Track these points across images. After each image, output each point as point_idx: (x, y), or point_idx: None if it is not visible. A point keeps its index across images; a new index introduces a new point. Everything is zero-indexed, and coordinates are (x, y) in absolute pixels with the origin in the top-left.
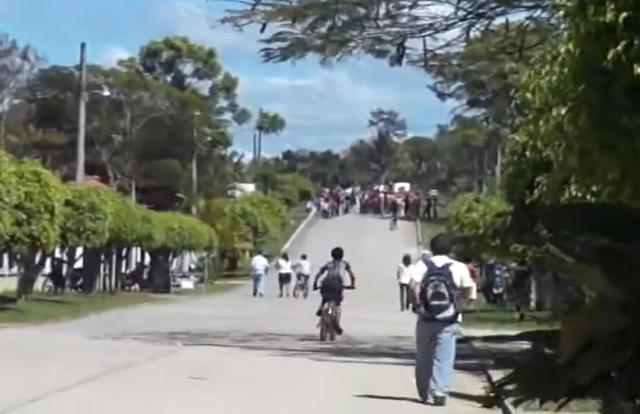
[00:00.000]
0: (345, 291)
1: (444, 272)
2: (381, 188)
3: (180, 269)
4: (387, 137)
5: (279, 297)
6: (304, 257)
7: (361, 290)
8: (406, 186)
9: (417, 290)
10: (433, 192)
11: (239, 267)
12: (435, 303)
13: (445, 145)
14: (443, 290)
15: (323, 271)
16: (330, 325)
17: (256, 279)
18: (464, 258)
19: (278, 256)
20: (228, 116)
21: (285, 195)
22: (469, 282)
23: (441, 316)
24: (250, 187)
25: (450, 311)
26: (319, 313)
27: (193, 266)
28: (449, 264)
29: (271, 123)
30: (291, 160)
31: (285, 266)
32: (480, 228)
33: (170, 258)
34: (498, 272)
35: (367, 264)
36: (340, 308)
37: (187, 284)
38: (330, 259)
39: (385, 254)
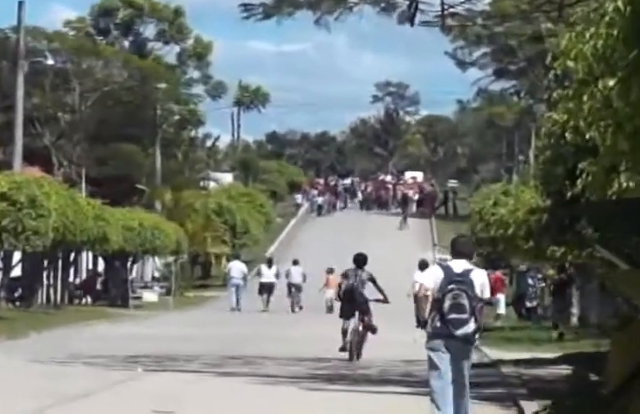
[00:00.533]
0: (374, 306)
1: (465, 280)
2: (388, 178)
3: (142, 278)
4: (396, 115)
5: (262, 311)
6: (295, 262)
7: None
8: (419, 176)
9: (429, 298)
10: (452, 183)
11: (213, 276)
12: (453, 316)
13: (466, 125)
14: (464, 301)
15: (344, 278)
16: (357, 344)
17: (233, 289)
18: (490, 264)
19: (262, 263)
20: (199, 89)
21: (269, 186)
22: (489, 293)
23: (460, 331)
24: (227, 177)
25: (471, 327)
26: (344, 333)
27: (157, 275)
28: (470, 270)
29: (252, 98)
30: (277, 144)
31: (268, 274)
32: (509, 227)
33: (129, 264)
34: (531, 280)
35: (373, 271)
36: (371, 323)
37: (150, 296)
38: (352, 266)
39: (393, 260)
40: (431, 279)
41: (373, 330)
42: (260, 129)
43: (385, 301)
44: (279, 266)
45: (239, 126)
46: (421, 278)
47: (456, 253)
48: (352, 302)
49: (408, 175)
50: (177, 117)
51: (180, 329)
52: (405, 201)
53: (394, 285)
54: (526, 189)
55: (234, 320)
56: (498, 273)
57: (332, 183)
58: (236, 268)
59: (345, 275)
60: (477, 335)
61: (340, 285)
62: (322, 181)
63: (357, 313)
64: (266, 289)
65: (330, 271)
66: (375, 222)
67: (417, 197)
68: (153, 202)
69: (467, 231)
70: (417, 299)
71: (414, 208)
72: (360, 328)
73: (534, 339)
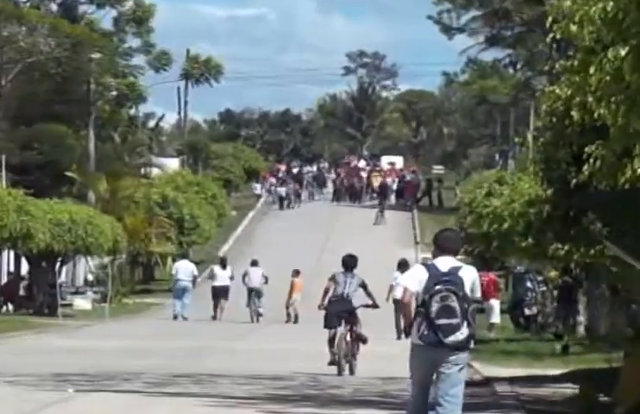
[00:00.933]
0: (362, 312)
1: (453, 279)
2: (362, 164)
3: (72, 282)
4: (371, 91)
5: (212, 319)
6: (254, 263)
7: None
8: (398, 161)
9: (413, 304)
10: (437, 170)
11: (157, 279)
12: (443, 321)
13: (454, 102)
14: (454, 303)
15: (331, 283)
16: (349, 355)
17: (179, 293)
18: (483, 265)
19: (215, 263)
20: (140, 60)
21: (223, 174)
22: (479, 293)
23: (451, 339)
24: (173, 163)
25: (463, 333)
26: (331, 342)
27: (91, 278)
28: (458, 267)
29: (202, 71)
30: (231, 124)
31: (222, 277)
32: (504, 221)
33: (57, 266)
34: (530, 284)
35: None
36: (360, 333)
37: (83, 303)
38: (340, 269)
39: (368, 260)
40: (415, 280)
41: (364, 341)
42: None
43: (375, 306)
44: (235, 268)
45: (186, 103)
46: (402, 280)
47: (441, 249)
48: (340, 310)
49: (385, 160)
50: (114, 93)
51: (118, 342)
52: (383, 191)
53: (371, 287)
54: (524, 176)
55: (181, 331)
56: (492, 276)
57: (295, 169)
58: (184, 269)
59: (333, 279)
60: (471, 343)
61: (326, 291)
62: (282, 168)
63: (344, 322)
64: (221, 293)
65: (296, 273)
66: (347, 216)
67: (395, 186)
68: (86, 192)
69: (455, 226)
70: (402, 306)
71: (392, 199)
72: (349, 338)
73: (534, 352)
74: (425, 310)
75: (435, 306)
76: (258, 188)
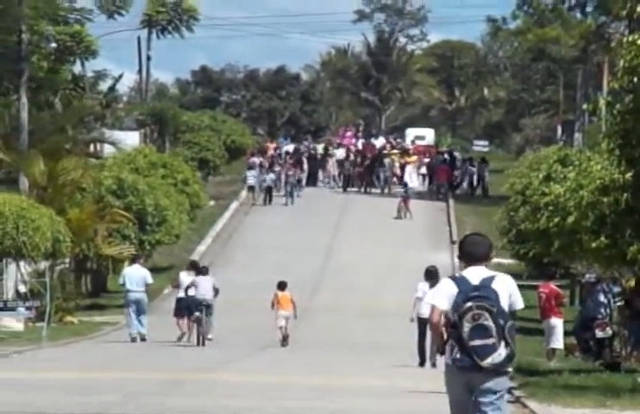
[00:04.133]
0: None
1: (486, 294)
2: (378, 142)
3: (1, 294)
4: (392, 42)
5: (178, 340)
6: (199, 271)
7: (346, 335)
8: (429, 135)
9: (442, 322)
10: (480, 146)
11: (111, 291)
12: (477, 343)
13: (501, 57)
14: (487, 322)
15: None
16: None
17: (131, 306)
18: (541, 272)
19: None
20: (88, 1)
21: (198, 152)
22: (521, 302)
23: (487, 361)
24: (132, 138)
25: (501, 354)
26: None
27: (24, 290)
28: (491, 278)
29: (171, 16)
30: (209, 87)
31: (204, 287)
32: (570, 213)
33: None
34: (604, 297)
35: (356, 286)
36: None
37: (12, 322)
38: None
39: (389, 267)
40: (443, 297)
41: None
42: (182, 64)
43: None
44: (213, 275)
45: (149, 59)
46: (429, 297)
47: (469, 257)
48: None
49: (412, 133)
50: (53, 45)
51: (58, 374)
52: (403, 174)
53: (392, 304)
54: (595, 155)
55: (141, 357)
56: (553, 287)
57: (284, 149)
58: (134, 276)
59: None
60: (510, 364)
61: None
62: (272, 146)
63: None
64: (186, 305)
65: (282, 286)
66: (359, 207)
67: (423, 169)
68: (17, 176)
69: (504, 220)
70: (430, 326)
71: (417, 183)
72: None
73: (609, 387)
74: (457, 330)
75: (467, 326)
76: (251, 177)
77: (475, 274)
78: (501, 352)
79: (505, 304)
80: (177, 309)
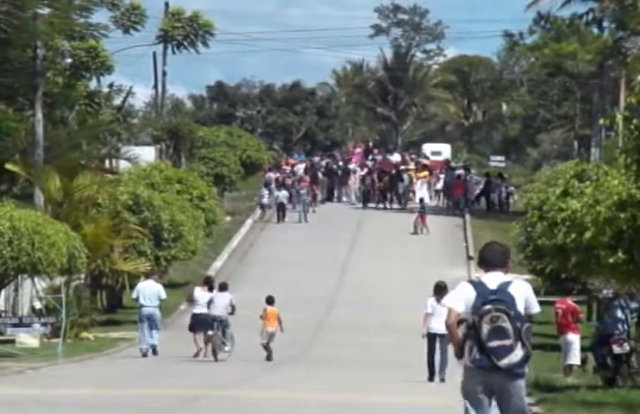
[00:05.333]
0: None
1: (503, 297)
2: (394, 158)
3: (14, 311)
4: (409, 57)
5: (194, 356)
6: (211, 287)
7: (362, 351)
8: (445, 149)
9: (458, 324)
10: (496, 161)
11: (127, 307)
12: (495, 344)
13: (517, 72)
14: (505, 324)
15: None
16: None
17: (145, 321)
18: (558, 287)
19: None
20: (103, 16)
21: (213, 168)
22: (537, 306)
23: (504, 362)
24: (148, 153)
25: (517, 355)
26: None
27: (39, 306)
28: (508, 283)
29: (187, 32)
30: (224, 103)
31: (204, 302)
32: (587, 229)
33: None
34: (621, 313)
35: (372, 302)
36: None
37: (28, 339)
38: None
39: (404, 283)
40: (460, 299)
41: None
42: (197, 79)
43: None
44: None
45: (165, 74)
46: (446, 299)
47: (488, 264)
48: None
49: (428, 149)
50: (68, 61)
51: (74, 391)
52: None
53: (408, 319)
54: (612, 170)
55: (157, 373)
56: (570, 303)
57: (300, 165)
58: (148, 291)
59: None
60: (526, 365)
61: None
62: (285, 163)
63: None
64: (201, 323)
65: (269, 301)
66: (376, 223)
67: (439, 184)
68: (33, 192)
69: (521, 234)
70: (447, 328)
71: (429, 199)
72: None
73: (627, 404)
74: (475, 332)
75: (485, 328)
76: (266, 195)
77: (493, 279)
78: (518, 353)
79: (521, 308)
80: (192, 324)
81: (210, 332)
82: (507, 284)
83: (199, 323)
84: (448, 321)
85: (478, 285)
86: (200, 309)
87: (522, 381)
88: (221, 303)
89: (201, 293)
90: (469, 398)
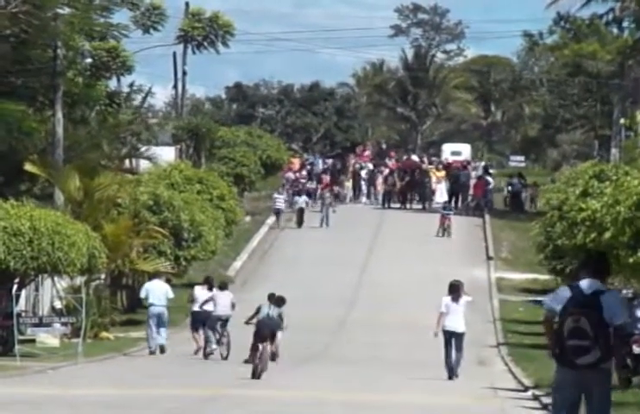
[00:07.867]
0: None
1: (591, 303)
2: (414, 157)
3: (35, 311)
4: (429, 58)
5: (194, 354)
6: (222, 287)
7: (382, 350)
8: (465, 150)
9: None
10: (515, 161)
11: (146, 307)
12: (573, 342)
13: (537, 72)
14: (586, 326)
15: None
16: None
17: (154, 319)
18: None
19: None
20: (123, 17)
21: (233, 168)
22: (622, 317)
23: (581, 360)
24: (168, 153)
25: (595, 355)
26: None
27: (59, 306)
28: (601, 292)
29: (207, 32)
30: (244, 103)
31: (202, 300)
32: (606, 229)
33: (14, 289)
34: None
35: (392, 301)
36: None
37: (48, 338)
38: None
39: (424, 283)
40: (556, 299)
41: None
42: (217, 80)
43: None
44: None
45: (185, 74)
46: (548, 299)
47: (591, 271)
48: None
49: (448, 149)
50: (88, 61)
51: (95, 390)
52: (450, 190)
53: (427, 319)
54: (632, 170)
55: (176, 371)
56: None
57: (314, 166)
58: (157, 290)
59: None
60: (605, 363)
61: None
62: (297, 166)
63: None
64: (200, 319)
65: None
66: (397, 223)
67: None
68: (53, 191)
69: (541, 234)
70: (545, 323)
71: (449, 200)
72: None
73: None
74: (559, 329)
75: (567, 327)
76: (281, 199)
77: (588, 285)
78: (595, 354)
79: (606, 316)
80: (192, 322)
81: (209, 333)
82: (600, 292)
83: (199, 321)
84: (545, 317)
85: (574, 288)
86: (198, 307)
87: (603, 376)
88: (224, 302)
89: (201, 292)
90: (557, 393)
